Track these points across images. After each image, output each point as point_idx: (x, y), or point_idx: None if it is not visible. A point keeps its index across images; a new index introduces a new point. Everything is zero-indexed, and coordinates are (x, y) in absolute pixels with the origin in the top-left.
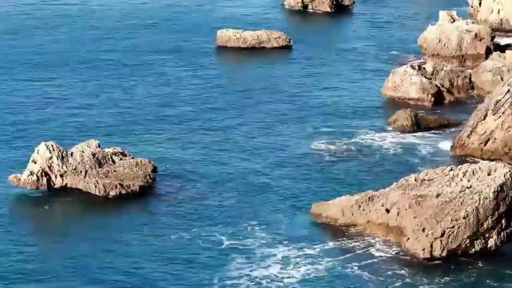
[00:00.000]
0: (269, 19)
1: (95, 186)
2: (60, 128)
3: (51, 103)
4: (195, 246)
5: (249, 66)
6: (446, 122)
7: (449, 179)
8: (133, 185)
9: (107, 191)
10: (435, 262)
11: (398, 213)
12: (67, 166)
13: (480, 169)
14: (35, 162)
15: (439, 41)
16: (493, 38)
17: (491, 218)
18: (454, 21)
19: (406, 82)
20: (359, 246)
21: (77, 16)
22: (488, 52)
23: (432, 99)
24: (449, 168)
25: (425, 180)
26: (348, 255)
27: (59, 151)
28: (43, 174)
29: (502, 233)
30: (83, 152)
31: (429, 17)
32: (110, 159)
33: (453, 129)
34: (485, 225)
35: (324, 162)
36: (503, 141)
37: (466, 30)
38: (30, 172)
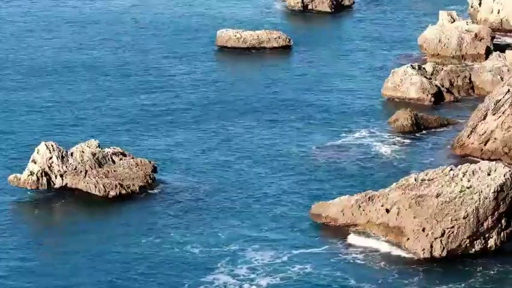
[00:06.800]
0: (269, 19)
1: (95, 186)
2: (61, 128)
3: (52, 103)
4: (184, 249)
5: (249, 66)
6: (446, 122)
7: (449, 179)
8: (133, 185)
9: (107, 191)
10: (435, 262)
11: (398, 213)
12: (66, 166)
13: (480, 169)
14: (35, 162)
15: (439, 41)
16: (493, 38)
17: (491, 218)
18: (454, 21)
19: (406, 82)
20: (358, 246)
21: (76, 18)
22: (488, 52)
23: (433, 99)
24: (449, 168)
25: (425, 180)
26: (348, 254)
27: (59, 151)
28: (43, 174)
29: (502, 233)
30: (83, 152)
31: (429, 16)
32: (110, 159)
33: (453, 129)
34: (485, 225)
35: (323, 162)
36: (503, 141)
37: (466, 30)
38: (30, 172)
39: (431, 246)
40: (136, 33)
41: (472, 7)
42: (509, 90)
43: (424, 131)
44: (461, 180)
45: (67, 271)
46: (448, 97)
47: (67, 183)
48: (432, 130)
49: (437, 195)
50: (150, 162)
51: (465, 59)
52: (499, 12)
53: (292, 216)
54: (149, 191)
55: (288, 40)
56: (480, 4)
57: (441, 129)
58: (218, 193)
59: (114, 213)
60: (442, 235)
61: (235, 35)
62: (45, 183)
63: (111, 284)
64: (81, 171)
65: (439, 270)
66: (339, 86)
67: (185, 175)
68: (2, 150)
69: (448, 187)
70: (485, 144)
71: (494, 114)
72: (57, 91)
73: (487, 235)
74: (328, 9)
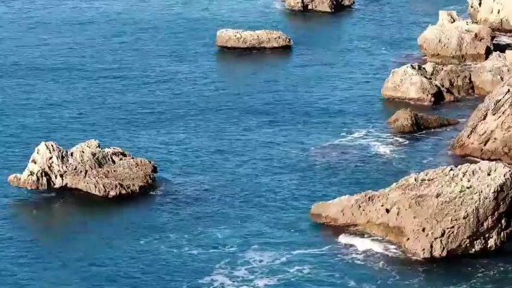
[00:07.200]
0: (269, 19)
1: (95, 186)
2: (61, 128)
3: (51, 103)
4: (183, 250)
5: (249, 66)
6: (446, 122)
7: (449, 179)
8: (133, 185)
9: (107, 191)
10: (435, 262)
11: (398, 213)
12: (66, 166)
13: (480, 169)
14: (35, 162)
15: (439, 41)
16: (493, 38)
17: (491, 218)
18: (454, 21)
19: (406, 82)
20: (357, 246)
21: (75, 18)
22: (488, 52)
23: (433, 99)
24: (449, 168)
25: (425, 180)
26: (348, 255)
27: (59, 151)
28: (43, 174)
29: (502, 233)
30: (83, 152)
31: (429, 16)
32: (110, 159)
33: (453, 129)
34: (485, 225)
35: (323, 163)
36: (503, 141)
37: (466, 30)
38: (30, 172)
39: (431, 246)
40: (136, 33)
41: (472, 7)
42: (509, 90)
43: (424, 131)
44: (461, 180)
45: (66, 271)
46: (447, 97)
47: (66, 183)
48: (432, 130)
49: (437, 195)
50: (150, 162)
51: (465, 59)
52: (499, 12)
53: (292, 216)
54: (149, 191)
55: (288, 40)
56: (480, 4)
57: (441, 129)
58: (217, 193)
59: (114, 213)
60: (442, 235)
61: (235, 35)
62: (45, 183)
63: (109, 285)
64: (81, 171)
65: (439, 271)
66: (339, 86)
67: (185, 175)
68: (1, 150)
69: (448, 187)
70: (485, 144)
71: (494, 114)
72: (57, 91)
73: (487, 235)
74: (328, 9)
